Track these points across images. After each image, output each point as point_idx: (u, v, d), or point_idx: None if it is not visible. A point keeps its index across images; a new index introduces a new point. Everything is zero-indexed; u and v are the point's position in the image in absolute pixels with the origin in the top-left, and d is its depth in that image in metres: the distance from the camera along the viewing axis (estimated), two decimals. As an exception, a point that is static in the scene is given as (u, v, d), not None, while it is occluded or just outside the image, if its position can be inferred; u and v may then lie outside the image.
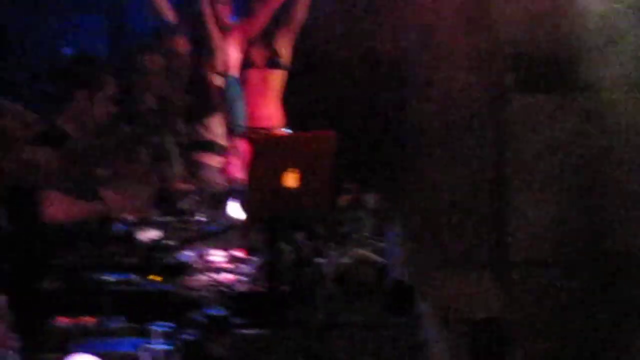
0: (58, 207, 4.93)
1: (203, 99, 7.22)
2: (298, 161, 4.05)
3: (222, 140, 7.25)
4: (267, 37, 7.79)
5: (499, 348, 6.15)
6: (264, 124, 7.69)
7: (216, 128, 7.32)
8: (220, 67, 7.49)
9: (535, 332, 6.96)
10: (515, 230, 7.19)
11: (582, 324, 7.05)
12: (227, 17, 7.62)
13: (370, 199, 5.93)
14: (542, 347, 6.99)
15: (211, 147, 7.28)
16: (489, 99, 7.45)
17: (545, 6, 6.98)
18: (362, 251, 4.59)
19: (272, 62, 7.83)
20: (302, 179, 4.04)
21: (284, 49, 7.86)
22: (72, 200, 5.21)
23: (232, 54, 7.61)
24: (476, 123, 7.43)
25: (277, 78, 7.88)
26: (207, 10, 7.39)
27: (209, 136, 7.36)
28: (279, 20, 7.84)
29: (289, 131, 7.59)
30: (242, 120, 7.37)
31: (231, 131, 7.27)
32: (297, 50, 8.04)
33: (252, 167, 4.03)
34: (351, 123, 7.73)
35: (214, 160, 7.20)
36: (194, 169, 6.89)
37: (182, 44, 7.00)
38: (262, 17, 7.75)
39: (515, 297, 7.09)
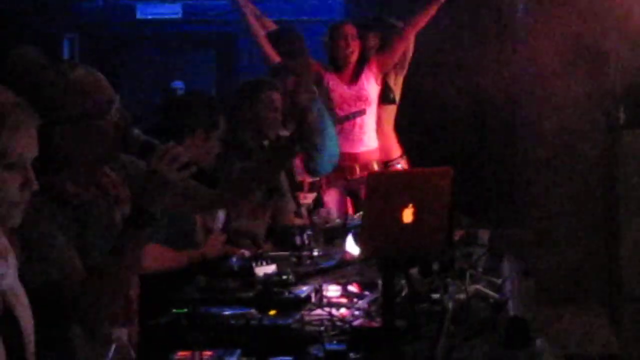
0: (155, 259, 5.00)
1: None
2: (415, 197, 4.03)
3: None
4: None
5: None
6: (381, 157, 7.74)
7: None
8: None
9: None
10: (628, 266, 7.12)
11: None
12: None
13: (484, 235, 5.90)
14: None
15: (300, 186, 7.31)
16: (601, 136, 7.41)
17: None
18: (477, 287, 4.57)
19: (385, 97, 7.88)
20: (419, 214, 4.02)
21: (395, 83, 7.91)
22: (168, 251, 5.28)
23: (369, 87, 7.71)
24: (587, 162, 7.39)
25: (390, 113, 7.93)
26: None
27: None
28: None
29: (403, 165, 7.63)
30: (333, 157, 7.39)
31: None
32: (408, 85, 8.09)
33: (368, 202, 4.03)
34: (463, 159, 7.72)
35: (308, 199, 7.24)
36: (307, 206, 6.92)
37: (292, 84, 7.05)
38: (399, 50, 7.83)
39: (632, 333, 7.01)
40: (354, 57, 7.90)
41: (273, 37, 7.82)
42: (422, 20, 7.93)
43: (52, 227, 3.41)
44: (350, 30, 7.93)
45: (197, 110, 5.64)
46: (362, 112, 7.89)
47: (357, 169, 7.84)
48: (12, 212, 2.71)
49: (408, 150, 8.05)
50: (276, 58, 7.65)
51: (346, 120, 7.85)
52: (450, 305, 3.32)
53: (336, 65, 7.96)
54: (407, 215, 4.00)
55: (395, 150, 8.03)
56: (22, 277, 3.08)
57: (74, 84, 3.52)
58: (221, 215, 5.66)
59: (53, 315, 3.38)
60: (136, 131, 3.69)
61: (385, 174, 5.55)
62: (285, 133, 7.01)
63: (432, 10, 7.90)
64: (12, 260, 2.78)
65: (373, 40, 8.05)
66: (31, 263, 3.29)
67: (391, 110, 8.05)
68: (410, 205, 4.00)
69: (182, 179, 3.52)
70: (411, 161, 7.98)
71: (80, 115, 3.52)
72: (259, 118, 6.29)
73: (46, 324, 3.31)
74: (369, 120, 7.92)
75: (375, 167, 7.83)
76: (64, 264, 3.42)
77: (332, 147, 7.29)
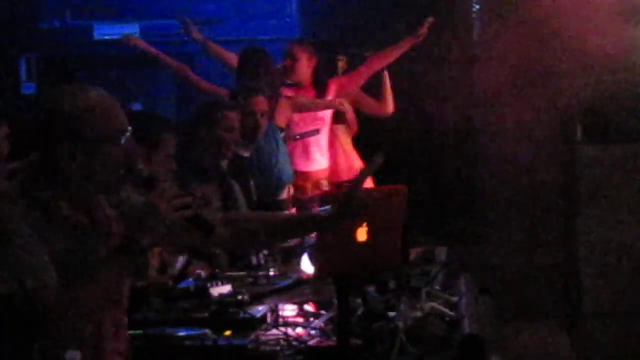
0: None
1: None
2: (369, 215, 4.02)
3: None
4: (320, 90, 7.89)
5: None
6: (339, 178, 7.74)
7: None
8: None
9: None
10: (586, 282, 7.15)
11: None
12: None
13: (441, 252, 5.90)
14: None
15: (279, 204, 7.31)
16: (558, 152, 7.44)
17: (606, 64, 6.98)
18: (432, 304, 4.56)
19: (339, 117, 7.88)
20: (373, 233, 4.01)
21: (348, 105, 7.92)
22: None
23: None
24: (546, 177, 7.42)
25: (345, 132, 7.93)
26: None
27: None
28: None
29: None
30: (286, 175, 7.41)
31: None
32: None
33: (322, 221, 4.01)
34: (422, 179, 7.73)
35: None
36: None
37: (260, 103, 7.03)
38: (362, 78, 7.86)
39: (590, 349, 7.04)
40: (301, 73, 7.88)
41: (241, 57, 7.81)
42: (392, 55, 7.96)
43: (35, 238, 3.37)
44: (294, 49, 7.92)
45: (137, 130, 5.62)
46: (316, 131, 7.89)
47: (309, 188, 7.82)
48: None
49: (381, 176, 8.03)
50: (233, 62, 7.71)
51: (301, 138, 7.85)
52: (402, 324, 3.28)
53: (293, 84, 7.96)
54: (362, 234, 4.00)
55: (357, 169, 7.99)
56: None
57: (92, 106, 3.55)
58: (181, 259, 5.59)
59: (20, 327, 3.38)
60: (141, 165, 3.73)
61: (337, 193, 5.53)
62: (245, 153, 7.02)
63: (405, 46, 7.91)
64: None
65: (342, 62, 8.06)
66: (7, 267, 3.28)
67: (345, 130, 8.05)
68: (364, 223, 3.99)
69: (178, 218, 3.58)
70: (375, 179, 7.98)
71: (92, 138, 3.55)
72: (216, 138, 6.27)
73: (11, 338, 3.35)
74: (322, 139, 7.93)
75: (325, 185, 7.81)
76: (41, 273, 3.36)
77: (283, 168, 7.32)
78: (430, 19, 7.79)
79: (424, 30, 7.83)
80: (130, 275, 3.70)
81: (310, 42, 8.09)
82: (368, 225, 4.00)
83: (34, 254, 3.40)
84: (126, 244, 3.56)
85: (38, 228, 3.43)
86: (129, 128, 3.65)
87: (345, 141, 8.05)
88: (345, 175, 7.80)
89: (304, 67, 7.88)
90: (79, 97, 3.58)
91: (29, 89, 9.80)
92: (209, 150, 6.28)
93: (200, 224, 3.73)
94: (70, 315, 3.52)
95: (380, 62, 7.95)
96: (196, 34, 8.37)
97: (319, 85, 7.94)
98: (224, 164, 6.53)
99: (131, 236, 3.56)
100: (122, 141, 3.60)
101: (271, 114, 7.30)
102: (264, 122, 7.03)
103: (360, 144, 8.14)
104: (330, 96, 7.91)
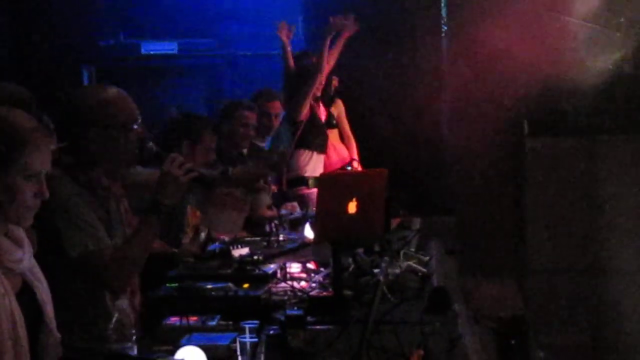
0: None
1: None
2: (357, 192, 4.02)
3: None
4: (327, 103, 7.79)
5: (521, 339, 6.08)
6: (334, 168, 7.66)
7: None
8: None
9: (549, 326, 6.91)
10: (532, 245, 7.15)
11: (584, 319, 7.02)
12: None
13: (416, 222, 5.90)
14: (556, 338, 6.94)
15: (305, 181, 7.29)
16: (510, 142, 7.42)
17: (551, 64, 6.94)
18: (409, 263, 4.57)
19: (330, 123, 7.80)
20: (361, 206, 4.02)
21: (336, 111, 7.85)
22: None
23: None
24: (500, 162, 7.41)
25: (335, 134, 7.85)
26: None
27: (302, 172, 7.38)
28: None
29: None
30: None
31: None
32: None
33: (320, 197, 4.02)
34: (403, 165, 7.70)
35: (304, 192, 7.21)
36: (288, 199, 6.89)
37: (276, 108, 7.01)
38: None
39: (534, 299, 7.04)
40: None
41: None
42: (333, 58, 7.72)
43: (90, 210, 3.51)
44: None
45: (179, 131, 5.66)
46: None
47: None
48: (26, 214, 2.70)
49: (362, 159, 7.99)
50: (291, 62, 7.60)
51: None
52: (382, 278, 3.28)
53: None
54: (352, 207, 4.00)
55: (346, 157, 7.90)
56: (64, 248, 3.36)
57: (109, 99, 3.62)
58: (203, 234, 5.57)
59: (88, 282, 3.48)
60: (150, 143, 3.77)
61: (333, 175, 5.53)
62: (262, 144, 7.02)
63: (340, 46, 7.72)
64: (28, 248, 2.76)
65: (335, 81, 7.90)
66: (73, 234, 3.42)
67: (335, 132, 7.94)
68: (354, 199, 4.00)
69: (188, 179, 3.63)
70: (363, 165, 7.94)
71: (111, 124, 3.59)
72: (234, 132, 6.26)
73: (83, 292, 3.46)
74: None
75: None
76: (98, 238, 3.49)
77: None
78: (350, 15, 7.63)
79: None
80: (157, 235, 3.72)
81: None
82: (357, 200, 4.00)
83: (89, 222, 3.45)
84: (154, 206, 3.60)
85: (84, 199, 3.52)
86: (139, 116, 3.70)
87: (335, 139, 7.92)
88: (339, 165, 7.73)
89: None
90: (100, 93, 3.65)
91: (90, 94, 9.76)
92: (228, 139, 6.27)
93: (203, 181, 3.82)
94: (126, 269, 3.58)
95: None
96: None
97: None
98: (244, 151, 6.55)
99: (156, 198, 3.60)
100: (135, 126, 3.64)
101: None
102: (276, 123, 7.03)
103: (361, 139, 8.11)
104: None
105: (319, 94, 7.60)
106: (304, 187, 7.28)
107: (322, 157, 7.59)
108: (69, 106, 3.66)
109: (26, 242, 2.76)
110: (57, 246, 3.41)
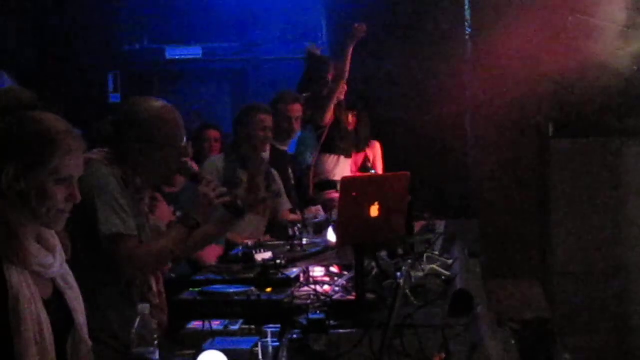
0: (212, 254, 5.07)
1: None
2: (380, 196, 4.02)
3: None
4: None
5: (545, 341, 6.06)
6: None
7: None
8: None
9: (574, 328, 6.88)
10: (558, 248, 7.12)
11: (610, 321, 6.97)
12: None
13: (441, 225, 5.89)
14: (581, 341, 6.90)
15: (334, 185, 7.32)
16: (536, 144, 7.39)
17: (578, 66, 6.91)
18: (432, 266, 4.55)
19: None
20: (383, 209, 4.01)
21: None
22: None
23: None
24: (524, 165, 7.38)
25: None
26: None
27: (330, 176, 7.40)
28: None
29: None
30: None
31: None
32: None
33: (343, 200, 4.01)
34: (428, 169, 7.70)
35: (334, 196, 7.23)
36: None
37: (296, 111, 7.01)
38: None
39: (560, 301, 7.01)
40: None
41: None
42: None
43: (124, 197, 3.68)
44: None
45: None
46: None
47: None
48: (57, 218, 2.70)
49: (385, 162, 8.00)
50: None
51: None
52: (403, 281, 3.27)
53: None
54: (374, 211, 3.99)
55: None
56: (96, 225, 3.59)
57: (168, 119, 3.79)
58: None
59: (113, 263, 3.66)
60: (189, 163, 3.91)
61: (356, 178, 5.52)
62: (284, 147, 7.02)
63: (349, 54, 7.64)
64: (60, 254, 2.77)
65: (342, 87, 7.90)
66: (109, 214, 3.63)
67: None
68: (376, 202, 3.99)
69: (219, 202, 3.94)
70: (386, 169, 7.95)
71: (162, 143, 3.78)
72: (252, 135, 6.26)
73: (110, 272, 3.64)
74: None
75: None
76: (129, 225, 3.68)
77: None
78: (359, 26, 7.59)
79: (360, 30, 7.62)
80: (182, 246, 3.93)
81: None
82: (379, 204, 4.00)
83: (124, 207, 3.67)
84: (186, 219, 3.86)
85: (121, 187, 3.69)
86: (186, 137, 3.84)
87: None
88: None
89: None
90: (160, 111, 3.79)
91: (115, 98, 9.86)
92: (248, 144, 6.27)
93: (233, 208, 4.04)
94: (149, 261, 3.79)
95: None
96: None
97: None
98: (266, 155, 6.55)
99: (189, 213, 3.85)
100: (179, 145, 3.75)
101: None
102: (297, 126, 7.03)
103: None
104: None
105: (342, 97, 7.62)
106: (332, 191, 7.30)
107: (348, 161, 7.61)
108: (128, 116, 3.76)
109: (58, 248, 2.76)
110: (89, 224, 3.59)
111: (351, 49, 7.54)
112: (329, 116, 7.51)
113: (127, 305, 3.61)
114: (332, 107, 7.48)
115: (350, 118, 7.84)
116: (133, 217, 3.71)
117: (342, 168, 7.53)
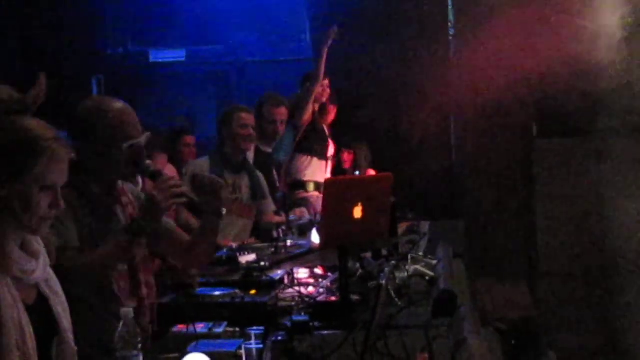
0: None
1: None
2: (363, 197, 4.02)
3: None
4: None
5: (531, 342, 6.07)
6: None
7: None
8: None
9: (559, 327, 6.89)
10: (542, 248, 7.14)
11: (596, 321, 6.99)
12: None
13: (425, 226, 5.90)
14: (567, 340, 6.92)
15: (303, 186, 7.33)
16: (520, 144, 7.41)
17: (559, 65, 6.93)
18: (416, 266, 4.55)
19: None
20: (366, 211, 4.01)
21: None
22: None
23: None
24: (508, 165, 7.40)
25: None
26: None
27: (300, 176, 7.41)
28: None
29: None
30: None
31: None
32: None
33: (326, 202, 4.01)
34: (412, 169, 7.71)
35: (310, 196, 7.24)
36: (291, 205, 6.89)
37: (281, 114, 7.01)
38: None
39: (545, 301, 7.02)
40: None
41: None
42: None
43: (69, 210, 3.43)
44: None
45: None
46: None
47: None
48: (41, 225, 2.69)
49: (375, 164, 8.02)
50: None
51: None
52: (385, 282, 3.28)
53: None
54: (357, 212, 3.99)
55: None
56: None
57: (114, 116, 3.65)
58: None
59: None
60: (148, 162, 3.76)
61: (339, 180, 5.52)
62: (267, 149, 7.02)
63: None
64: (44, 259, 2.76)
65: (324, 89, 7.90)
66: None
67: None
68: (360, 203, 3.99)
69: (171, 205, 3.65)
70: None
71: (113, 142, 3.65)
72: (233, 134, 6.27)
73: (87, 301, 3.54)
74: None
75: None
76: (65, 236, 3.52)
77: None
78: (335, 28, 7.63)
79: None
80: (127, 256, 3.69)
81: None
82: (363, 205, 4.00)
83: (60, 219, 3.44)
84: (131, 225, 3.61)
85: (70, 202, 3.46)
86: (143, 135, 3.70)
87: None
88: None
89: None
90: (106, 108, 3.67)
91: (99, 102, 9.82)
92: (231, 144, 6.28)
93: (193, 207, 3.80)
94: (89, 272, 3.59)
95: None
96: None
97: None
98: (250, 157, 6.56)
99: (136, 219, 3.62)
100: (135, 144, 3.65)
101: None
102: (282, 129, 7.03)
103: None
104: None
105: (323, 99, 7.64)
106: (301, 191, 7.32)
107: (322, 163, 7.61)
108: (74, 118, 3.68)
109: (42, 253, 2.76)
110: None
111: (326, 51, 7.54)
112: (306, 116, 7.51)
113: (106, 308, 3.60)
114: (309, 107, 7.48)
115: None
116: (87, 228, 3.61)
117: (315, 169, 7.53)
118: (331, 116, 7.91)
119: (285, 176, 7.44)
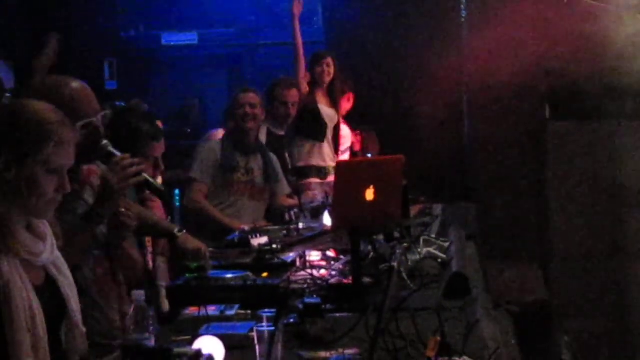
0: None
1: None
2: (374, 179, 4.01)
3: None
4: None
5: (544, 324, 6.07)
6: None
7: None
8: None
9: (573, 311, 6.88)
10: (556, 230, 7.12)
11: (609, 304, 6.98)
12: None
13: (438, 208, 5.89)
14: (581, 323, 6.91)
15: (317, 171, 7.30)
16: (532, 127, 7.39)
17: (574, 49, 6.90)
18: (429, 249, 4.55)
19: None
20: (378, 193, 4.00)
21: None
22: None
23: None
24: (521, 147, 7.38)
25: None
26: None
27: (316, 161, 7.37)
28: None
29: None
30: None
31: None
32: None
33: (337, 185, 4.00)
34: (425, 152, 7.69)
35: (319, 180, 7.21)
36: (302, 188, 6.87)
37: (292, 96, 6.98)
38: None
39: (558, 284, 7.01)
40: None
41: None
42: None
43: None
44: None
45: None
46: None
47: None
48: (46, 208, 2.70)
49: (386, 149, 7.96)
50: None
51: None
52: (396, 264, 3.27)
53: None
54: (369, 194, 3.99)
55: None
56: None
57: (69, 94, 3.47)
58: None
59: None
60: (104, 142, 3.59)
61: (350, 162, 5.51)
62: (280, 132, 7.02)
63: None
64: (51, 241, 2.76)
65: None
66: None
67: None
68: (371, 186, 3.98)
69: (125, 187, 3.51)
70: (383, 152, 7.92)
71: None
72: (237, 114, 6.26)
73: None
74: None
75: None
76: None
77: None
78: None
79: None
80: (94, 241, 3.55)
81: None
82: (374, 187, 3.99)
83: None
84: (89, 212, 3.50)
85: None
86: (101, 113, 3.57)
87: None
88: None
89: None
90: (61, 89, 3.48)
91: (111, 85, 9.84)
92: (234, 125, 6.29)
93: (150, 188, 3.70)
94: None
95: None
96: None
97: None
98: (262, 140, 6.57)
99: (92, 205, 3.52)
100: (89, 122, 3.49)
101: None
102: (293, 111, 7.00)
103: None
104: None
105: (326, 79, 7.51)
106: (310, 178, 7.27)
107: (321, 145, 7.47)
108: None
109: (49, 235, 2.76)
110: None
111: (297, 23, 7.59)
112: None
113: (118, 290, 3.61)
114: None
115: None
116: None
117: (311, 153, 7.43)
118: (349, 104, 7.83)
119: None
